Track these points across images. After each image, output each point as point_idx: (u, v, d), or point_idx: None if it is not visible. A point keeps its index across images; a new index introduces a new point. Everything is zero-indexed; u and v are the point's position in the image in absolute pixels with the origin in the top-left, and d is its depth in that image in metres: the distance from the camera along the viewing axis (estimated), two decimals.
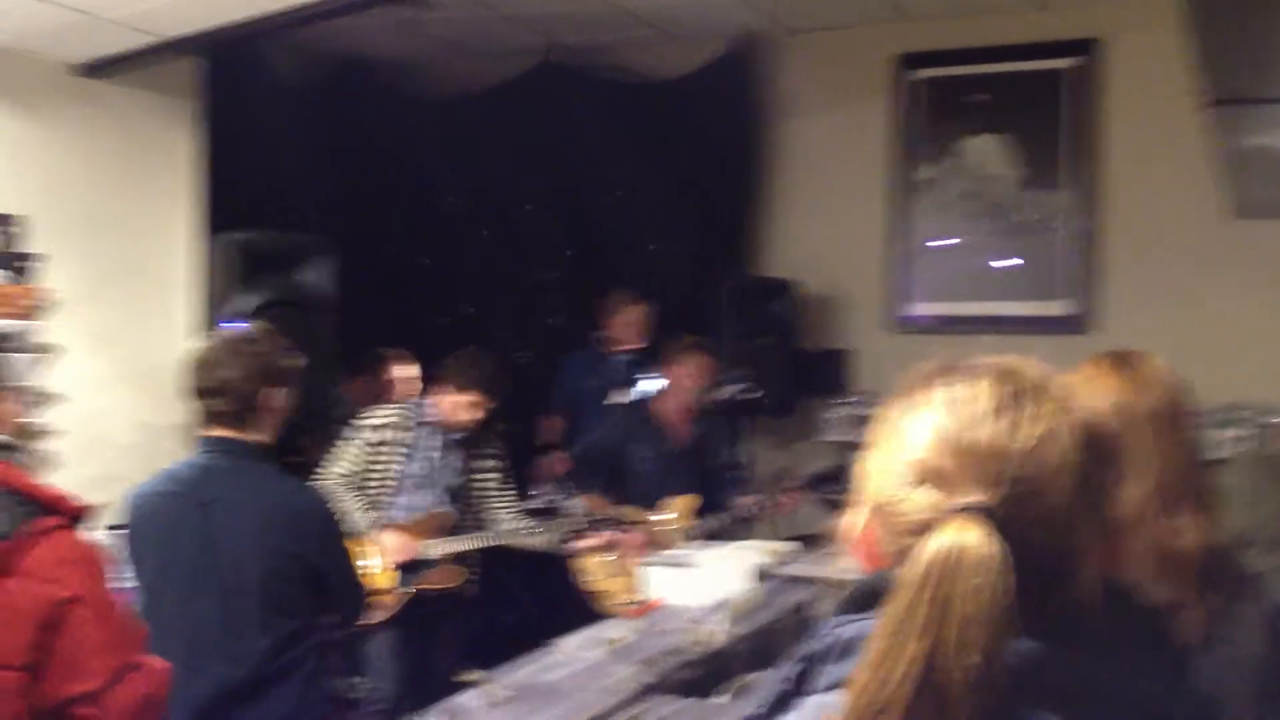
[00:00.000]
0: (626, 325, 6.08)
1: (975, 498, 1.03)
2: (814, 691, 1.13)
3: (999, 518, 1.01)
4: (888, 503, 1.10)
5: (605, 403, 5.84)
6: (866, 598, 1.13)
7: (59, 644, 2.10)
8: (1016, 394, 1.09)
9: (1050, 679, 1.03)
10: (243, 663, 3.00)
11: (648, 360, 5.77)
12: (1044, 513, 1.04)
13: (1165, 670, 1.12)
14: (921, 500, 1.07)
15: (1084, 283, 6.00)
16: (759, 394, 5.63)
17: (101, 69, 4.72)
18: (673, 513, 5.13)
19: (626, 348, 6.07)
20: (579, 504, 4.94)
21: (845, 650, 1.11)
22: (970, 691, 0.98)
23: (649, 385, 5.71)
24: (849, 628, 1.12)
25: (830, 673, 1.12)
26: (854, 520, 1.17)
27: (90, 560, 2.21)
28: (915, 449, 1.09)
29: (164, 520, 3.07)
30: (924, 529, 1.04)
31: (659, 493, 5.15)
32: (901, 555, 1.06)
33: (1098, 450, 1.10)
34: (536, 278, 6.99)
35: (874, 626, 1.04)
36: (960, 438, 1.07)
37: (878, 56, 6.40)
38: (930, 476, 1.07)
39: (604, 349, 6.16)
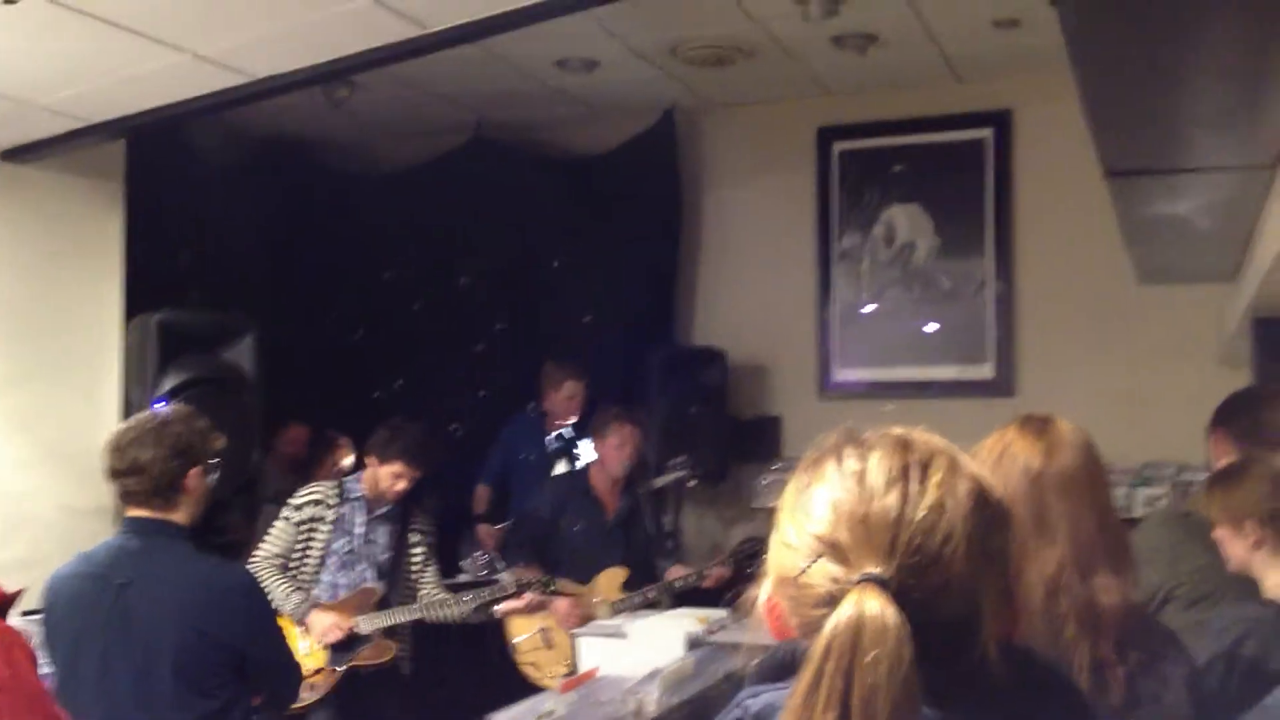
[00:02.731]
0: (567, 400, 6.02)
1: (872, 569, 1.06)
2: None
3: (896, 588, 1.04)
4: (791, 575, 1.12)
5: (541, 474, 5.83)
6: (776, 668, 1.15)
7: None
8: (907, 465, 1.12)
9: None
10: None
11: (582, 432, 5.77)
12: (941, 581, 1.07)
13: None
14: (822, 573, 1.09)
15: (1006, 347, 6.13)
16: (694, 478, 5.67)
17: (27, 154, 4.68)
18: (604, 584, 5.12)
19: (564, 421, 6.04)
20: (508, 576, 4.90)
21: None
22: None
23: (582, 457, 5.71)
24: (760, 699, 1.14)
25: None
26: (761, 592, 1.20)
27: (13, 647, 2.17)
28: (813, 522, 1.12)
29: (79, 602, 3.03)
30: (828, 601, 1.06)
31: (590, 564, 5.14)
32: (808, 627, 1.09)
33: (992, 516, 1.13)
34: (468, 350, 6.98)
35: (784, 698, 1.06)
36: (854, 510, 1.10)
37: (801, 130, 6.54)
38: (829, 549, 1.09)
39: (541, 421, 6.13)
